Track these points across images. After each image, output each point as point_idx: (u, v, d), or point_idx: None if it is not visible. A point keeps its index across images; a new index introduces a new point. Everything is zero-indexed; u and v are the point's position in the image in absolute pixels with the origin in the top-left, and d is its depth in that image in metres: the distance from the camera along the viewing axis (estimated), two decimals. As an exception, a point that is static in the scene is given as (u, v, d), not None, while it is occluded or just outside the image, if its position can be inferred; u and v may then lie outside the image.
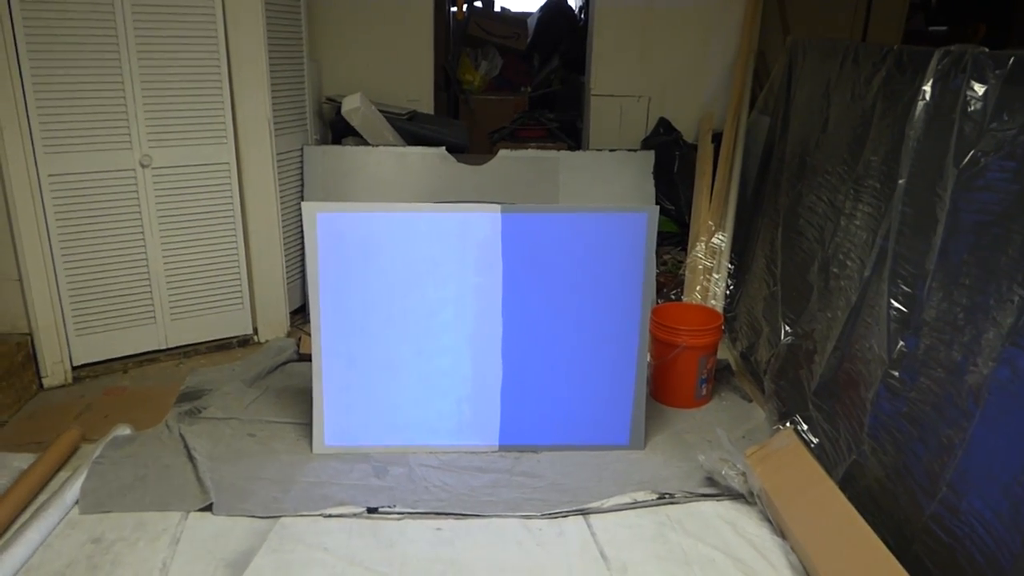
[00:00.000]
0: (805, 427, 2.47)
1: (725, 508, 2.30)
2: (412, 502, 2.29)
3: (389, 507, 2.26)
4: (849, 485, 2.16)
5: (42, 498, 2.26)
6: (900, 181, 2.12)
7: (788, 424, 2.54)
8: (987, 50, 1.84)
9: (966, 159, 1.84)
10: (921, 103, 2.06)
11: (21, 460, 2.42)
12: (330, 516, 2.22)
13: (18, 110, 2.69)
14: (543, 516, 2.25)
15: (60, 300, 2.93)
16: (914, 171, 2.08)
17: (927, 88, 2.04)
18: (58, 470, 2.39)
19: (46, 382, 2.97)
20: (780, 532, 2.16)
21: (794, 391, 2.63)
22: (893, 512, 1.99)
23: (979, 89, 1.83)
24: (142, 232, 3.03)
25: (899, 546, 1.90)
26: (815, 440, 2.41)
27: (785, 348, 2.76)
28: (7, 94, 2.65)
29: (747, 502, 2.30)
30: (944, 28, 5.92)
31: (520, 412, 2.57)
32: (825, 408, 2.41)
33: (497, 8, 6.71)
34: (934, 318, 1.92)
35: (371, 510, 2.25)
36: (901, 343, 2.03)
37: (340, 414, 2.54)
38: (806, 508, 2.10)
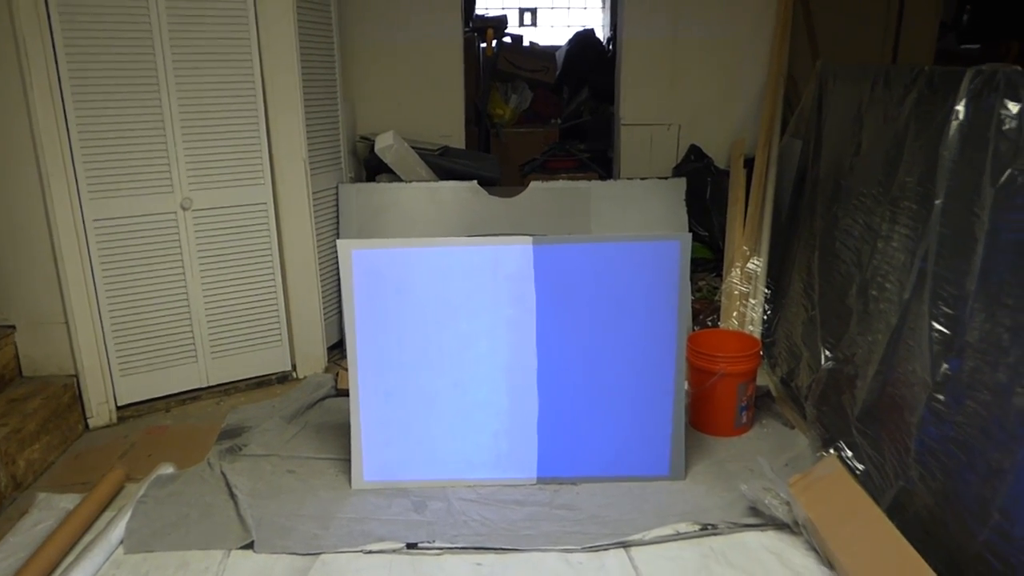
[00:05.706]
0: (849, 454, 2.42)
1: (770, 538, 2.25)
2: (451, 537, 2.28)
3: (428, 542, 2.25)
4: (897, 512, 2.10)
5: (88, 538, 2.29)
6: (937, 202, 2.09)
7: (832, 451, 2.48)
8: (1020, 68, 1.82)
9: (1003, 178, 1.81)
10: (955, 123, 2.03)
11: (67, 501, 2.47)
12: (370, 552, 2.23)
13: (64, 159, 2.78)
14: (584, 549, 2.23)
15: (105, 341, 3.00)
16: (950, 191, 2.05)
17: (960, 108, 2.02)
18: (103, 510, 2.43)
19: (91, 422, 3.03)
20: (827, 562, 2.11)
21: (837, 417, 2.58)
22: (944, 540, 1.93)
23: (1013, 108, 1.80)
24: (183, 273, 3.10)
25: (951, 575, 1.84)
26: (860, 467, 2.35)
27: (826, 373, 2.72)
28: (53, 144, 2.75)
29: (792, 532, 2.25)
30: (976, 46, 5.86)
31: (557, 444, 2.56)
32: (869, 434, 2.36)
33: (526, 43, 6.80)
34: (977, 339, 1.88)
35: (410, 545, 2.24)
36: (945, 366, 1.98)
37: (378, 449, 2.55)
38: (853, 537, 2.04)
